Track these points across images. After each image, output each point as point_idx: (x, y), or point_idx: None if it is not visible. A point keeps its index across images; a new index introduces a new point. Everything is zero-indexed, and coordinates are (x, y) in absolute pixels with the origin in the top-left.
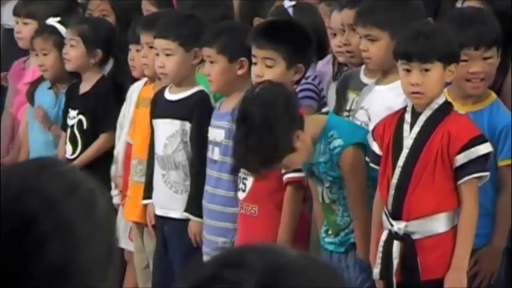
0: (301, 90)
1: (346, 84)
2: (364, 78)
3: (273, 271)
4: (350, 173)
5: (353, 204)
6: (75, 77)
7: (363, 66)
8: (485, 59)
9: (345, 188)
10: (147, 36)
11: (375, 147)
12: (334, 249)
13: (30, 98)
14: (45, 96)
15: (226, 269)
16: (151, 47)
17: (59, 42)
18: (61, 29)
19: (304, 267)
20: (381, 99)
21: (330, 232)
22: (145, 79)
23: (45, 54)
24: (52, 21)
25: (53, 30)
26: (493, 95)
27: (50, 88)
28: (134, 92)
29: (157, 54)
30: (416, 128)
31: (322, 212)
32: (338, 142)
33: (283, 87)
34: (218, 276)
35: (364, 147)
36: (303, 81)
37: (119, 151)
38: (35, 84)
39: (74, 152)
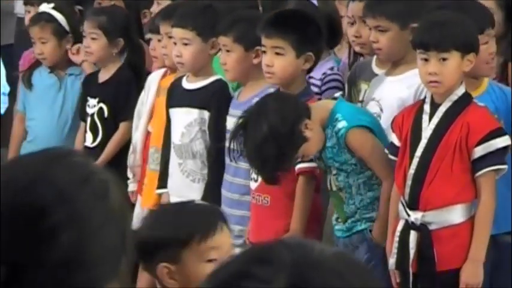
0: (329, 81)
1: (359, 74)
2: (376, 69)
3: (304, 268)
4: (364, 150)
5: (379, 171)
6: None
7: (375, 57)
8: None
9: (369, 166)
10: (166, 26)
11: (394, 138)
12: (341, 235)
13: (28, 83)
14: (45, 80)
15: (255, 266)
16: (170, 37)
17: (57, 30)
18: (56, 15)
19: (337, 265)
20: (392, 90)
21: (339, 220)
22: (164, 69)
23: (43, 43)
24: (46, 7)
25: (49, 17)
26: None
27: (50, 72)
28: (153, 81)
29: (175, 44)
30: (436, 119)
31: (332, 200)
32: (342, 124)
33: (291, 96)
34: (246, 273)
35: (370, 131)
36: (329, 71)
37: (136, 140)
38: (31, 69)
39: (94, 140)
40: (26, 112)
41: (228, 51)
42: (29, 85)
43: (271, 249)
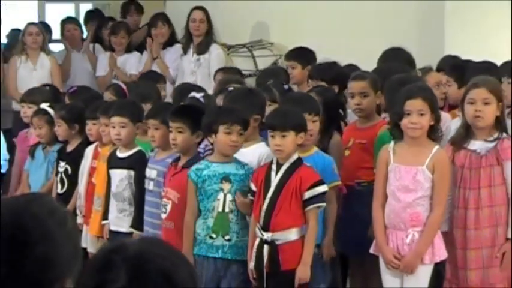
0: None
1: None
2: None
3: (137, 261)
4: None
5: None
6: (62, 142)
7: None
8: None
9: None
10: (104, 117)
11: (253, 186)
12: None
13: (32, 154)
14: (39, 155)
15: (99, 273)
16: (106, 125)
17: (50, 120)
18: (50, 111)
19: (159, 250)
20: (246, 157)
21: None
22: (96, 143)
23: (40, 128)
24: (44, 105)
25: (45, 112)
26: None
27: (43, 149)
28: (89, 152)
29: (114, 127)
30: (280, 174)
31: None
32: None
33: None
34: (96, 279)
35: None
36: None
37: (81, 191)
38: (34, 146)
39: (62, 188)
40: (29, 172)
41: (156, 129)
42: (32, 155)
43: (107, 256)
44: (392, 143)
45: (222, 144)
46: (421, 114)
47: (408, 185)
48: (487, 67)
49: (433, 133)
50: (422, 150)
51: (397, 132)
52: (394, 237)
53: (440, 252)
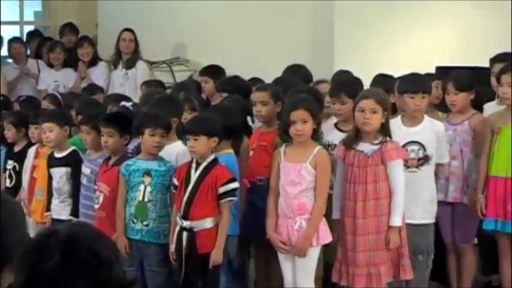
0: None
1: None
2: None
3: (67, 241)
4: None
5: None
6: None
7: None
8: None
9: None
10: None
11: (175, 180)
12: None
13: None
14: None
15: (35, 253)
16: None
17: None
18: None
19: (86, 232)
20: (164, 152)
21: None
22: (37, 144)
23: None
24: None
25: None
26: None
27: None
28: (31, 152)
29: (45, 132)
30: (198, 172)
31: None
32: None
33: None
34: (33, 259)
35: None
36: None
37: (24, 184)
38: None
39: (11, 183)
40: None
41: (87, 133)
42: None
43: (43, 239)
44: (284, 146)
45: (147, 144)
46: (304, 122)
47: (294, 179)
48: (381, 80)
49: (316, 135)
50: (306, 150)
51: (286, 137)
52: (285, 225)
53: (325, 236)
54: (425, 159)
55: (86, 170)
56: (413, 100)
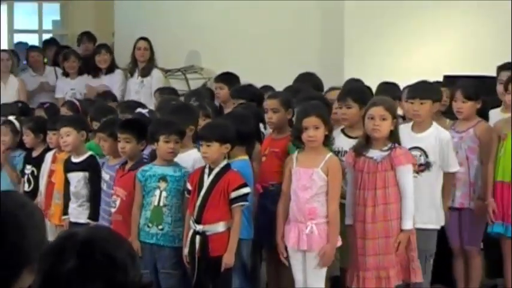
0: None
1: None
2: None
3: (84, 245)
4: None
5: None
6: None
7: None
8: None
9: None
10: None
11: (189, 185)
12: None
13: None
14: (16, 159)
15: (53, 256)
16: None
17: (14, 129)
18: (15, 122)
19: (103, 235)
20: (181, 160)
21: None
22: (55, 149)
23: (5, 135)
24: (11, 118)
25: (10, 122)
26: None
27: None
28: (49, 157)
29: (62, 137)
30: (211, 177)
31: None
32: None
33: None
34: (51, 261)
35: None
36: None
37: (42, 189)
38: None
39: (29, 187)
40: None
41: (104, 140)
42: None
43: (62, 242)
44: (296, 152)
45: (162, 150)
46: (316, 128)
47: (305, 183)
48: (385, 88)
49: (327, 141)
50: (318, 156)
51: (298, 143)
52: (296, 229)
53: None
54: (426, 166)
55: (105, 175)
56: (412, 105)
